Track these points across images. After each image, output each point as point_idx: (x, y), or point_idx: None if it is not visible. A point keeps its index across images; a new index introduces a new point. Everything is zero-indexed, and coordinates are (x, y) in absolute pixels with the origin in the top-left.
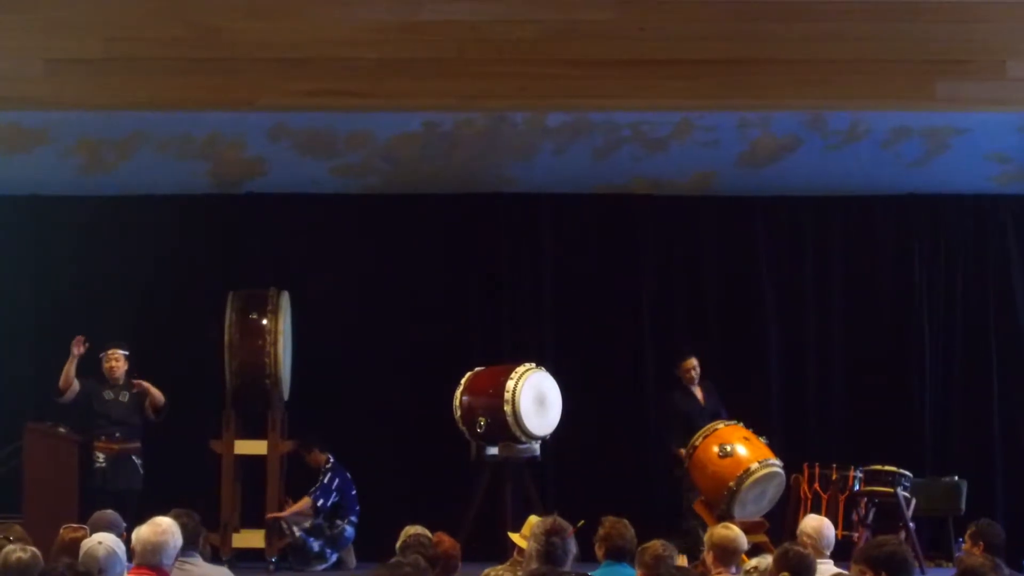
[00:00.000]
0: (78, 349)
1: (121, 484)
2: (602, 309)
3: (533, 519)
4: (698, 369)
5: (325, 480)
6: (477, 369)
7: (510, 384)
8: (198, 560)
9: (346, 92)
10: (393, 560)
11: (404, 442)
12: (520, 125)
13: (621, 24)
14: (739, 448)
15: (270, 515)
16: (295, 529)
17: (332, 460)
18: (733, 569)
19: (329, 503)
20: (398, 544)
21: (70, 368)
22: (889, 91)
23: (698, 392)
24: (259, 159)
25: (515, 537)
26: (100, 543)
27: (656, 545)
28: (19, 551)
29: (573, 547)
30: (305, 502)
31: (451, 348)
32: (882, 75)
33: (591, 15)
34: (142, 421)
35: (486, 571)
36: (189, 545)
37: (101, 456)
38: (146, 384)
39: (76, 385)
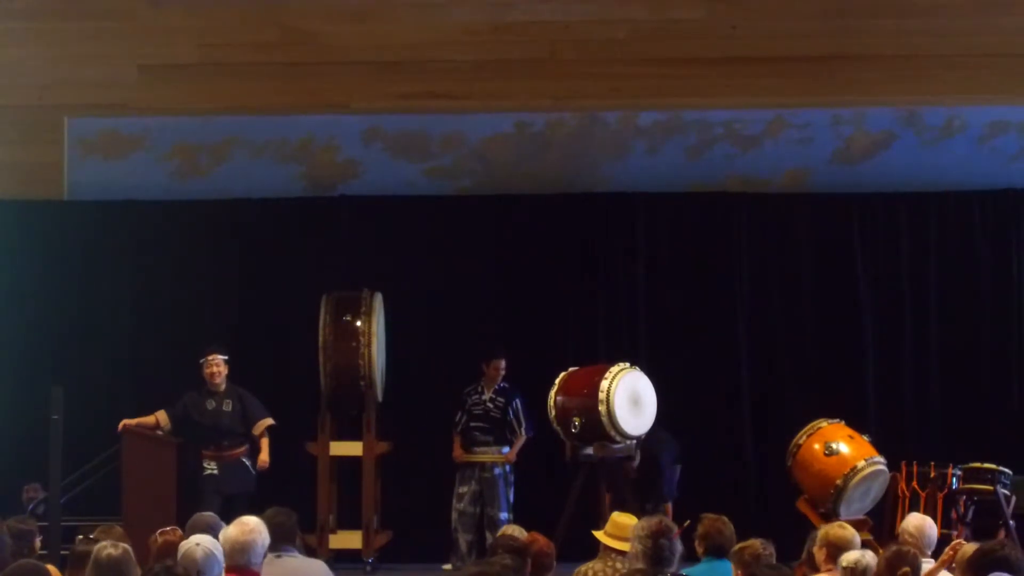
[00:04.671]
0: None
1: (234, 488)
2: (696, 308)
3: (616, 517)
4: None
5: (524, 406)
6: (571, 369)
7: (604, 384)
8: (295, 553)
9: (439, 94)
10: (487, 558)
11: None
12: (612, 125)
13: (713, 23)
14: (844, 446)
15: (509, 456)
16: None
17: (506, 384)
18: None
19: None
20: (491, 542)
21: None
22: (985, 85)
23: None
24: (353, 162)
25: (599, 535)
26: (198, 545)
27: (756, 544)
28: (110, 547)
29: (679, 547)
30: (520, 439)
31: (545, 348)
32: (978, 69)
33: (683, 14)
34: (247, 429)
35: (579, 568)
36: (287, 542)
37: (212, 463)
38: (265, 460)
39: (166, 422)
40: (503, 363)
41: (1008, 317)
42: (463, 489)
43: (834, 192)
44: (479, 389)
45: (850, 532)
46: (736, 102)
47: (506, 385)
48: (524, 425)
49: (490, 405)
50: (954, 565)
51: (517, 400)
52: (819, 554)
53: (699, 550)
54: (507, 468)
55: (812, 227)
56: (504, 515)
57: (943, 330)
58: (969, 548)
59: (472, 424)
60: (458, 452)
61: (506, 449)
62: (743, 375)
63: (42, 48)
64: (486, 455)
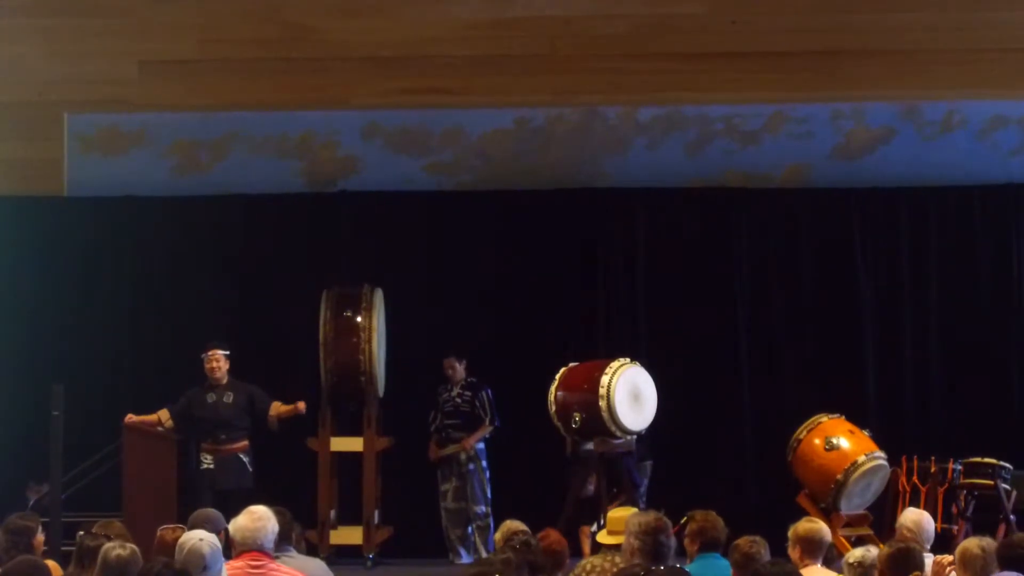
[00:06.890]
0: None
1: (229, 483)
2: (697, 303)
3: (613, 513)
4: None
5: (490, 398)
6: (571, 364)
7: (605, 379)
8: (293, 553)
9: (439, 89)
10: (489, 556)
11: (498, 437)
12: (612, 120)
13: (713, 18)
14: (844, 441)
15: (465, 443)
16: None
17: (474, 378)
18: (819, 562)
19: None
20: (496, 537)
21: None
22: (985, 80)
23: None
24: (352, 157)
25: (601, 536)
26: (201, 540)
27: (744, 542)
28: (118, 548)
29: (674, 543)
30: (485, 428)
31: (545, 343)
32: (978, 64)
33: (682, 9)
34: (249, 422)
35: (582, 562)
36: (284, 541)
37: (208, 457)
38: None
39: (167, 419)
40: (454, 361)
41: (1008, 311)
42: (445, 487)
43: (834, 187)
44: (448, 387)
45: (819, 524)
46: (736, 97)
47: (474, 379)
48: (490, 415)
49: (458, 400)
50: (954, 561)
51: (484, 392)
52: (794, 553)
53: (692, 547)
54: (483, 464)
55: (812, 222)
56: (481, 508)
57: (943, 324)
58: (971, 543)
59: (446, 422)
60: (433, 451)
61: (480, 445)
62: (743, 370)
63: (42, 44)
64: (457, 448)
